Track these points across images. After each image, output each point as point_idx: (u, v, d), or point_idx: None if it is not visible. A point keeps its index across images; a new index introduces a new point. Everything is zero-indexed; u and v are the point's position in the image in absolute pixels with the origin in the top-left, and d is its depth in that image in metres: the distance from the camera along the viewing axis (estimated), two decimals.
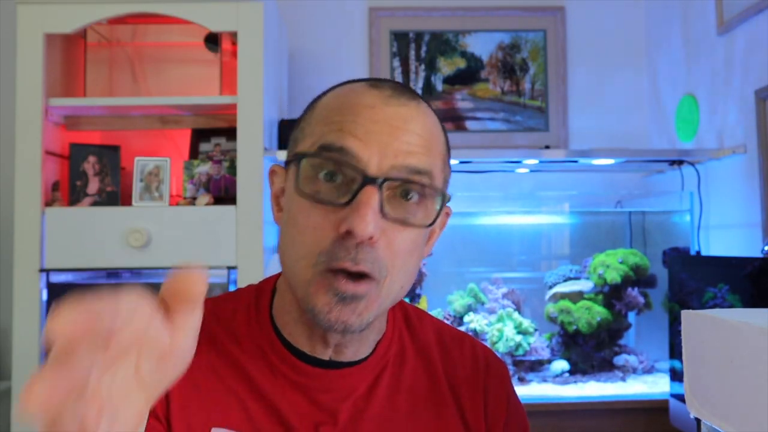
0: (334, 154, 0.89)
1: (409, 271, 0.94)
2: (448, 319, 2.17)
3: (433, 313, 2.18)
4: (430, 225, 0.93)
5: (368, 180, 0.87)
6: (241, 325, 1.01)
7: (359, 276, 0.89)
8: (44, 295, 1.86)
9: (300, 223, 0.90)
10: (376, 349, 1.02)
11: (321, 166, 0.90)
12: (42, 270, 1.85)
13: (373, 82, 0.95)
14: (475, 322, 2.21)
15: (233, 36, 1.96)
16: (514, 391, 1.09)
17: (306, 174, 0.91)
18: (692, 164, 2.23)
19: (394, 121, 0.92)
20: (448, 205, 1.01)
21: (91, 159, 1.97)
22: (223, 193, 1.94)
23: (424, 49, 2.45)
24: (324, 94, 0.98)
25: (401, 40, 2.43)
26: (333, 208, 0.88)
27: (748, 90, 2.02)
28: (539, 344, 2.21)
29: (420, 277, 2.18)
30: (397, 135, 0.90)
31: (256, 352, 1.00)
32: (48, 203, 1.89)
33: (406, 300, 1.26)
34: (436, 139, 0.96)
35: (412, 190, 0.90)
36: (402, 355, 1.03)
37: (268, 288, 1.05)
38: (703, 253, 2.20)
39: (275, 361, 0.99)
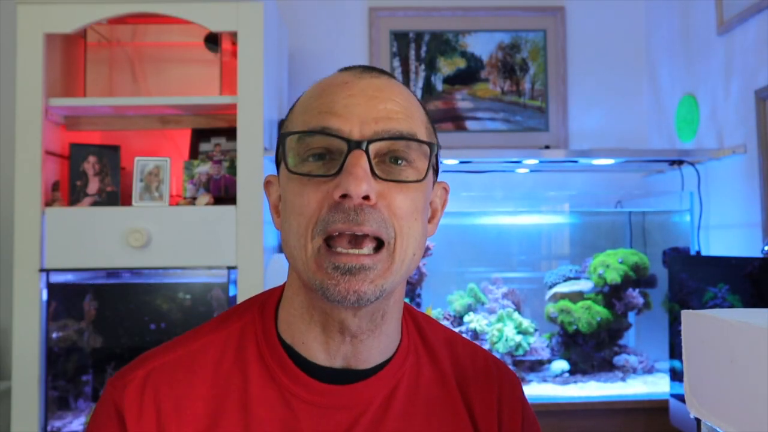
0: (315, 135, 0.89)
1: (417, 236, 0.92)
2: (448, 319, 2.18)
3: (434, 312, 2.19)
4: (422, 180, 0.92)
5: (353, 145, 0.87)
6: (249, 345, 0.98)
7: (372, 246, 0.89)
8: (44, 295, 1.86)
9: (296, 204, 0.90)
10: (393, 359, 0.99)
11: (308, 148, 0.90)
12: (42, 270, 1.84)
13: (344, 68, 0.96)
14: (475, 322, 2.21)
15: (233, 36, 1.96)
16: (527, 402, 1.08)
17: (295, 159, 0.91)
18: (692, 164, 2.22)
19: (369, 91, 0.92)
20: (444, 183, 1.02)
21: (91, 159, 1.96)
22: (223, 193, 1.94)
23: (424, 49, 2.44)
24: (300, 97, 0.98)
25: (401, 40, 2.43)
26: (325, 180, 0.88)
27: (748, 90, 2.02)
28: (539, 344, 2.21)
29: (420, 277, 2.18)
30: (374, 104, 0.90)
31: (266, 377, 0.97)
32: (48, 203, 1.88)
33: (407, 300, 1.23)
34: (415, 107, 0.95)
35: (399, 153, 0.90)
36: (417, 366, 1.02)
37: (272, 301, 1.02)
38: (703, 253, 2.19)
39: (287, 383, 0.96)
